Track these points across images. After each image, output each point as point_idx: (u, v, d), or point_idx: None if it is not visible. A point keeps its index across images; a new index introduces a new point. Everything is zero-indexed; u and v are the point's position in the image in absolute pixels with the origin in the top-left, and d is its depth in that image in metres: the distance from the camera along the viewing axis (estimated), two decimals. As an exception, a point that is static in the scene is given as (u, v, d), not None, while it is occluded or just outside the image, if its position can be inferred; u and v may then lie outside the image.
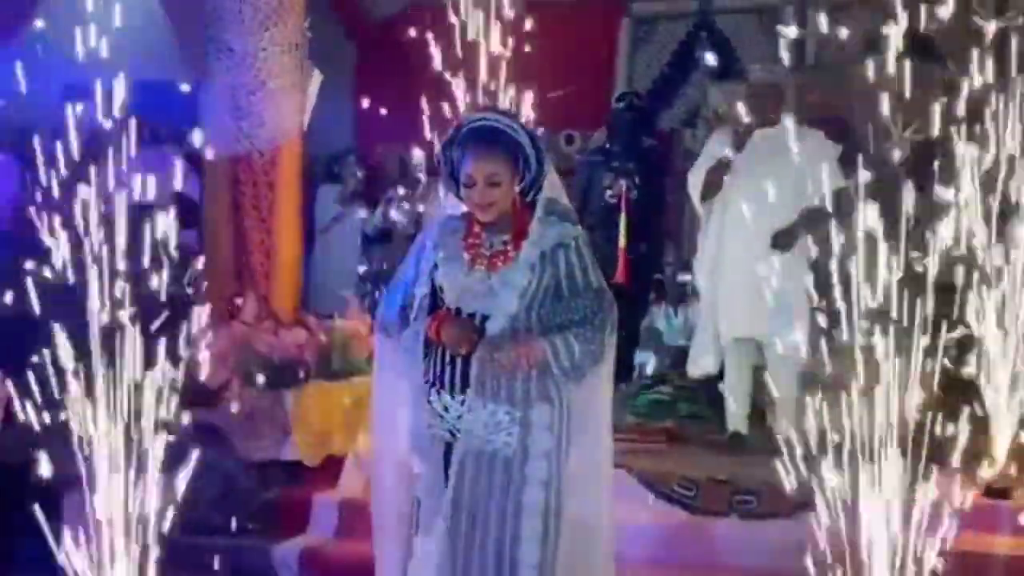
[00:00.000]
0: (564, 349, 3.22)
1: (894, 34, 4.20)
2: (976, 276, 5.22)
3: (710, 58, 7.56)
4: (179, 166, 6.29)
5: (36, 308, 4.10)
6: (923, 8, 4.51)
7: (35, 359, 4.14)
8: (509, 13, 5.64)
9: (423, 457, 3.33)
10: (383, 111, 8.29)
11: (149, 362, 4.22)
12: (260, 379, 5.60)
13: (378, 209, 8.01)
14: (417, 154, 7.65)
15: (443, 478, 3.29)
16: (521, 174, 3.28)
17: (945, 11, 4.53)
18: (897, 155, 4.66)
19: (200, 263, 4.64)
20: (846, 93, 7.62)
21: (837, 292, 4.06)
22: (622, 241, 6.57)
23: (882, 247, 4.14)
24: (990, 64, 4.94)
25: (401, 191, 7.80)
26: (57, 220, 4.20)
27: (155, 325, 4.23)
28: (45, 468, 4.29)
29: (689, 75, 8.39)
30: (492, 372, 3.22)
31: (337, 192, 8.35)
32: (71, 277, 4.16)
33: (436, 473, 3.30)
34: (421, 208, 7.53)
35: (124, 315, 4.10)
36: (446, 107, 5.86)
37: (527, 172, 3.29)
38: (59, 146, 4.52)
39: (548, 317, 3.26)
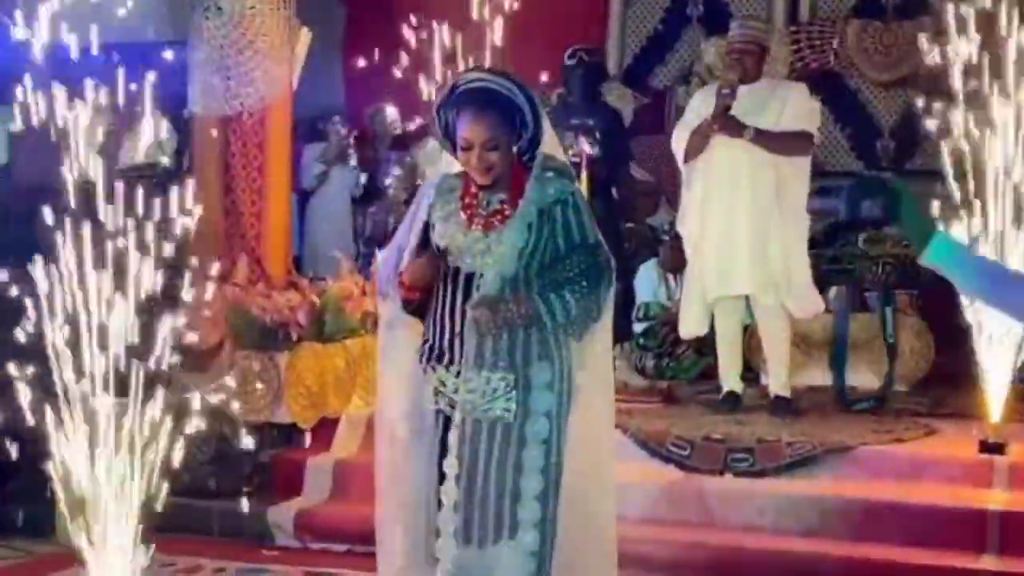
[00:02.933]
0: (560, 305, 3.19)
1: None
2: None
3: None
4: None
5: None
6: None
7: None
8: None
9: (414, 427, 3.33)
10: (372, 70, 8.21)
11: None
12: (253, 341, 5.57)
13: (359, 175, 7.97)
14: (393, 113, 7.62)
15: (437, 450, 3.27)
16: (518, 133, 3.24)
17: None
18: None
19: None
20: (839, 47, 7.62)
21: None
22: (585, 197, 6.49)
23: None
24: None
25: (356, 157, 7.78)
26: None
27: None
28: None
29: (682, 31, 8.32)
30: (489, 338, 3.19)
31: (320, 150, 8.26)
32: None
33: (431, 446, 3.29)
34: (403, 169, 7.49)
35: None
36: (437, 67, 5.81)
37: (524, 131, 3.25)
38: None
39: (546, 274, 3.24)
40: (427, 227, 3.31)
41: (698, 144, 5.58)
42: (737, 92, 5.46)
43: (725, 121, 5.44)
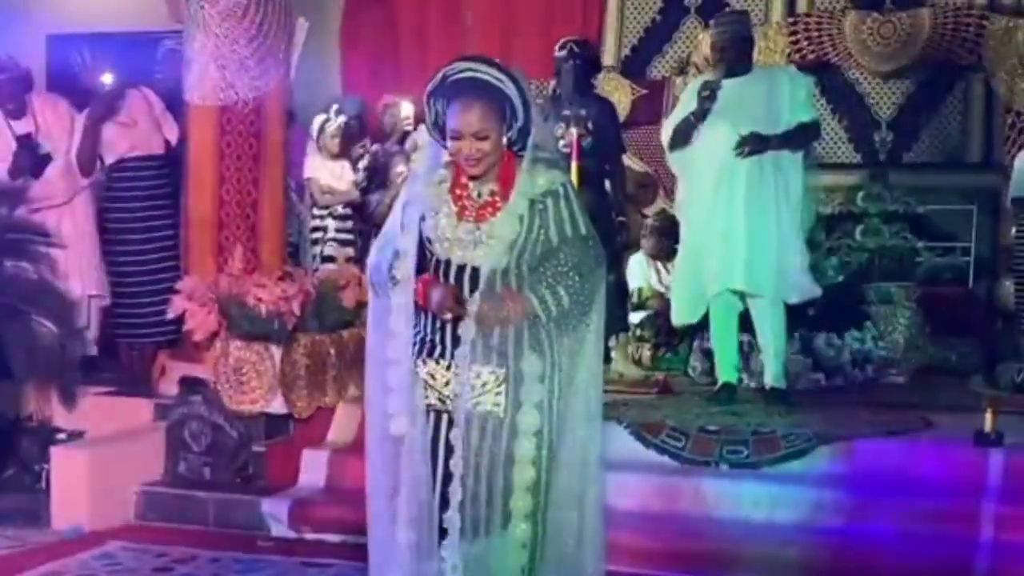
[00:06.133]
0: (552, 299, 3.19)
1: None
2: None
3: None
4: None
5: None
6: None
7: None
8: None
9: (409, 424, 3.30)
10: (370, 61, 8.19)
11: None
12: (248, 331, 5.55)
13: (360, 173, 7.92)
14: (406, 106, 7.59)
15: (429, 446, 3.25)
16: (508, 124, 3.23)
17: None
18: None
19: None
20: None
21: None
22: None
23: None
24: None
25: (373, 148, 7.71)
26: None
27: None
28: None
29: (680, 22, 8.32)
30: (481, 332, 3.18)
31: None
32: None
33: (423, 442, 3.27)
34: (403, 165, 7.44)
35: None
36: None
37: (514, 121, 3.23)
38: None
39: (538, 267, 3.22)
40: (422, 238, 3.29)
41: (683, 133, 5.58)
42: (719, 93, 5.43)
43: (749, 141, 5.41)
